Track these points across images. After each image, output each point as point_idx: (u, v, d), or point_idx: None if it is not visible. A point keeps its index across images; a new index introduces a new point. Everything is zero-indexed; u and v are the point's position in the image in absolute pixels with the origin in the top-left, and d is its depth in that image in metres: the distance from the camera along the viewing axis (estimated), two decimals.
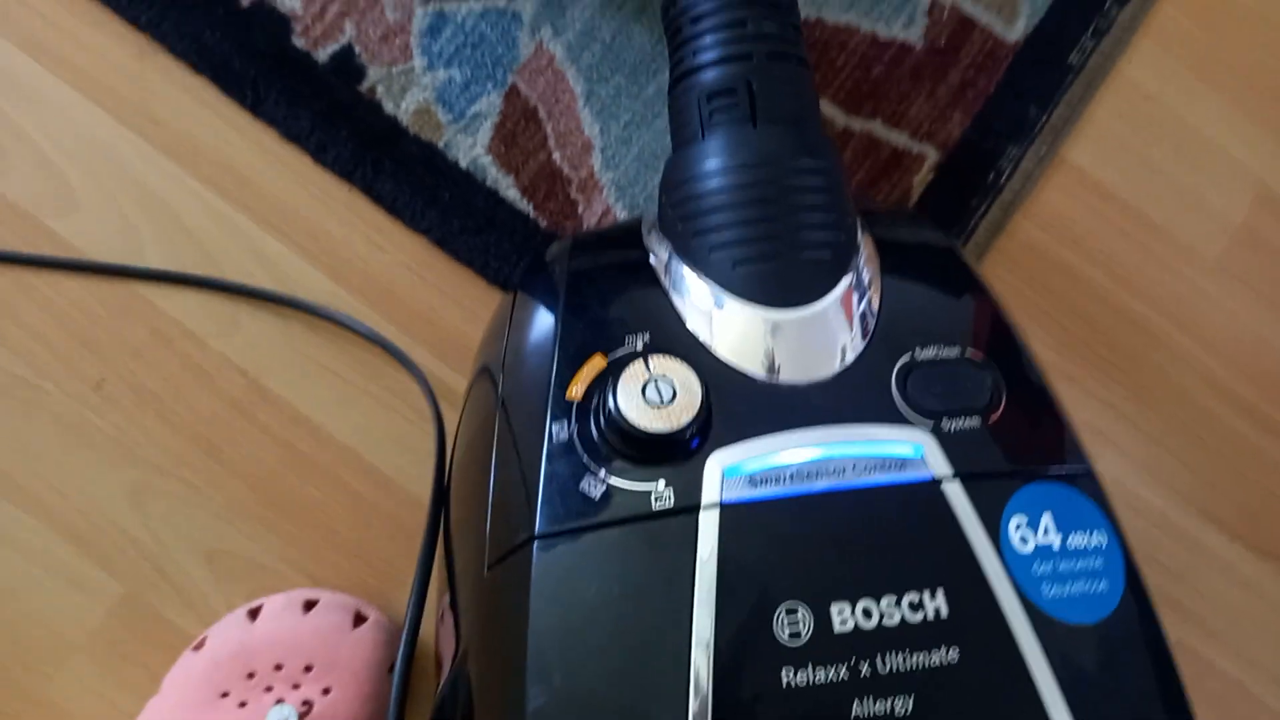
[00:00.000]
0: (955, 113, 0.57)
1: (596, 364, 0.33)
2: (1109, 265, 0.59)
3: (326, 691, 0.49)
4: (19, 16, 0.56)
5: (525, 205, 0.55)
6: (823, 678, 0.27)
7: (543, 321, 0.36)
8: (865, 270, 0.35)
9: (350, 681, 0.49)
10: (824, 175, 0.34)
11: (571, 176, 0.55)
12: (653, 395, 0.30)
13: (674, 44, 0.39)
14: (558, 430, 0.32)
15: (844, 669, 0.28)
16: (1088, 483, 0.32)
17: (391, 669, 0.50)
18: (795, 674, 0.28)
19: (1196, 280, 0.59)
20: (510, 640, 0.29)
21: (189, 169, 0.56)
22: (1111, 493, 0.32)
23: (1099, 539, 0.31)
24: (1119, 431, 0.57)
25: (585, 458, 0.31)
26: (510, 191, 0.55)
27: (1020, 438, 0.32)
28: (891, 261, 0.36)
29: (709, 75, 0.37)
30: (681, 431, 0.30)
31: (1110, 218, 0.59)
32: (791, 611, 0.28)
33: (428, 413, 0.53)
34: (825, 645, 0.28)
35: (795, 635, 0.28)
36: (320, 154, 0.55)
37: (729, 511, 0.30)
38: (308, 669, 0.49)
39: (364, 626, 0.50)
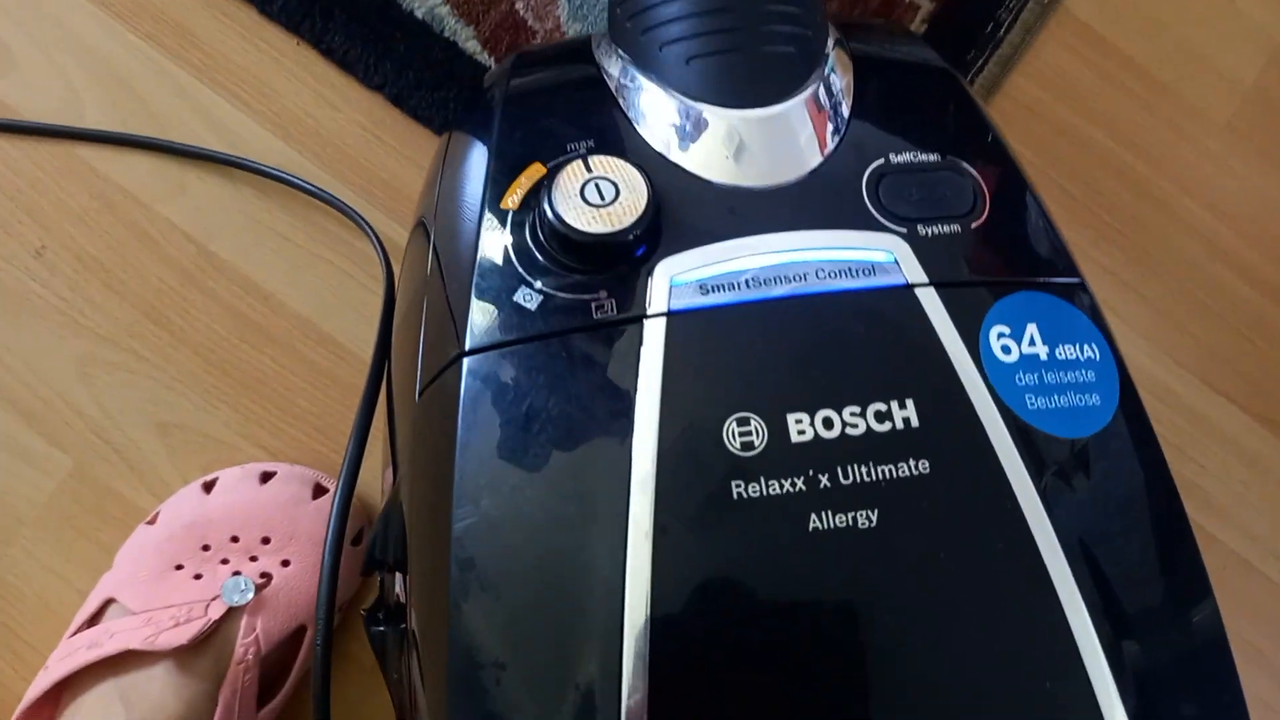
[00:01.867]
0: None
1: (534, 172, 0.30)
2: (1112, 126, 0.55)
3: (285, 564, 0.47)
4: None
5: (486, 58, 0.51)
6: (777, 490, 0.25)
7: (477, 146, 0.33)
8: (837, 73, 0.31)
9: (310, 553, 0.47)
10: None
11: (536, 28, 0.51)
12: (593, 195, 0.27)
13: None
14: (490, 243, 0.29)
15: (800, 481, 0.25)
16: (1078, 294, 0.29)
17: (356, 541, 0.48)
18: (746, 486, 0.25)
19: (1204, 142, 0.56)
20: (438, 462, 0.27)
21: (130, 24, 0.52)
22: None
23: (1090, 351, 0.28)
24: (1120, 299, 0.54)
25: (520, 269, 0.28)
26: (470, 43, 0.51)
27: (1005, 246, 0.29)
28: (870, 70, 0.32)
29: None
30: (624, 233, 0.27)
31: (1114, 76, 0.56)
32: (743, 422, 0.26)
33: (380, 277, 0.50)
34: (780, 456, 0.25)
35: (747, 446, 0.25)
36: (266, 5, 0.51)
37: (677, 320, 0.27)
38: (265, 541, 0.47)
39: (324, 498, 0.48)
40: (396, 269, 0.48)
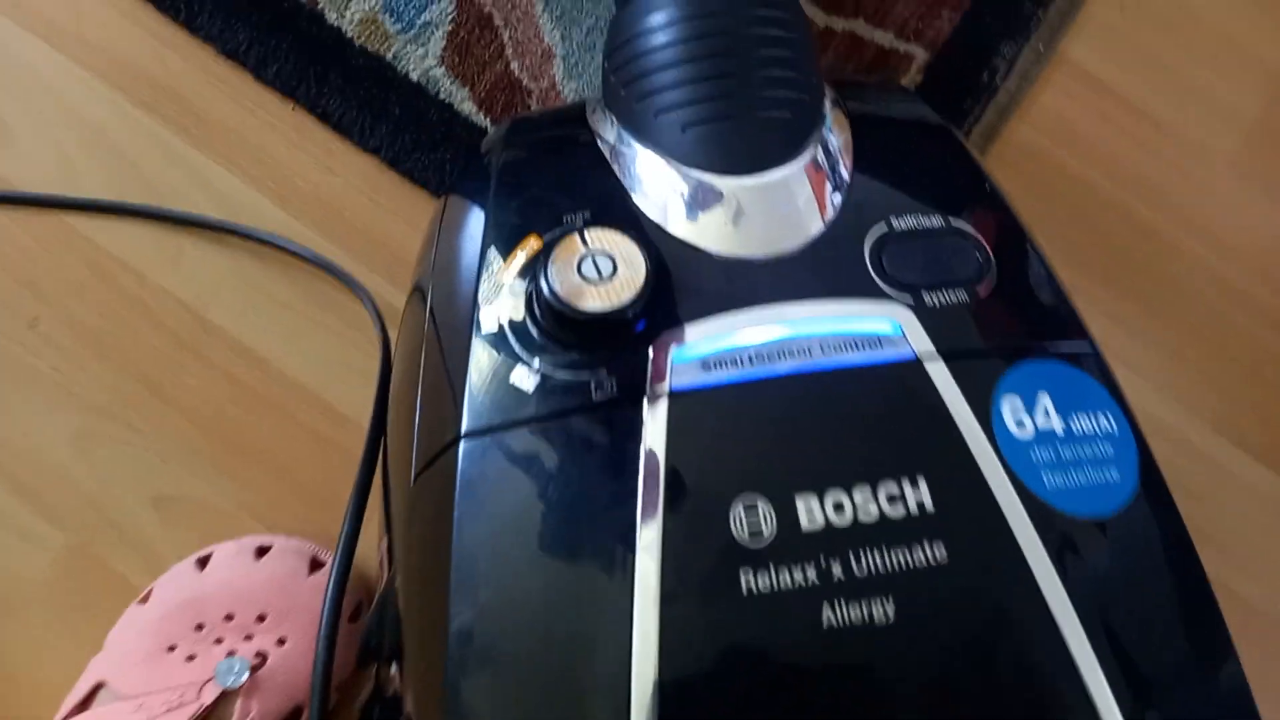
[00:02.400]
0: (944, 9, 0.53)
1: (531, 246, 0.29)
2: (1113, 168, 0.54)
3: (281, 642, 0.45)
4: None
5: (482, 119, 0.51)
6: (788, 581, 0.24)
7: (473, 212, 0.32)
8: (834, 135, 0.31)
9: (307, 630, 0.46)
10: (783, 26, 0.30)
11: (531, 87, 0.51)
12: (590, 271, 0.27)
13: None
14: (486, 319, 0.28)
15: (812, 571, 0.24)
16: (1091, 361, 0.28)
17: (353, 618, 0.47)
18: (756, 577, 0.24)
19: (1207, 181, 0.55)
20: (434, 552, 0.26)
21: (126, 94, 0.52)
22: None
23: (1107, 422, 0.27)
24: (1130, 348, 0.53)
25: (517, 348, 0.27)
26: (465, 105, 0.51)
27: (1013, 312, 0.28)
28: (866, 129, 0.32)
29: None
30: (623, 310, 0.26)
31: (1114, 117, 0.55)
32: (750, 507, 0.25)
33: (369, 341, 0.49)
34: (790, 545, 0.24)
35: (756, 534, 0.24)
36: (261, 70, 0.51)
37: (679, 400, 0.26)
38: (261, 619, 0.46)
39: (321, 572, 0.47)
40: (394, 334, 0.47)
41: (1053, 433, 0.26)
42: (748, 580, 0.24)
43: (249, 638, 0.45)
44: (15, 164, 0.52)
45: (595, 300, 0.26)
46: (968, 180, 0.31)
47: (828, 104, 0.31)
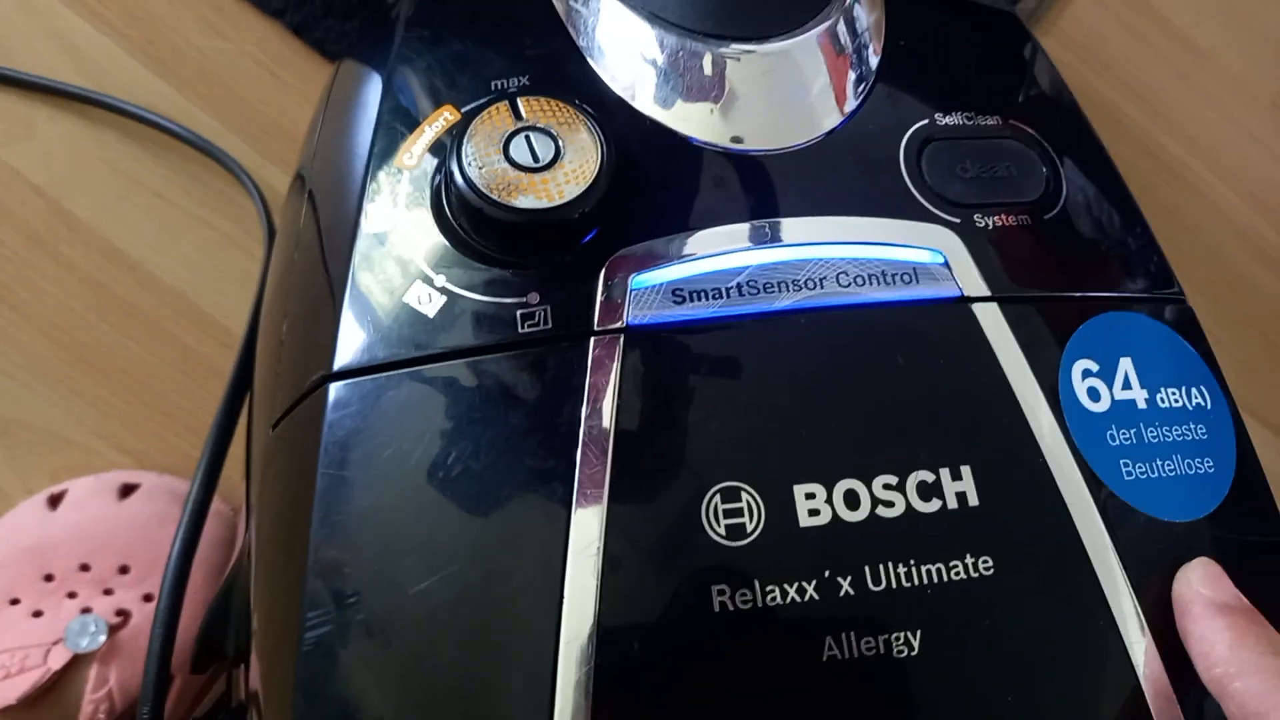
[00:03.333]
0: None
1: (444, 118, 0.21)
2: (1145, 96, 0.48)
3: (148, 598, 0.38)
4: None
5: None
6: (778, 598, 0.17)
7: (370, 77, 0.24)
8: (862, 4, 0.23)
9: None
10: None
11: None
12: (522, 153, 0.19)
13: None
14: (375, 214, 0.20)
15: (811, 585, 0.17)
16: (1184, 317, 0.21)
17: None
18: (733, 593, 0.17)
19: (1246, 122, 0.49)
20: (289, 531, 0.18)
21: None
22: None
23: (1200, 396, 0.20)
24: None
25: (416, 255, 0.20)
26: None
27: (1086, 248, 0.21)
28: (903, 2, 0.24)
29: None
30: (567, 209, 0.19)
31: (1151, 39, 0.48)
32: (731, 496, 0.17)
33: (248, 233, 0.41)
34: (784, 548, 0.17)
35: (736, 532, 0.17)
36: None
37: (638, 340, 0.18)
38: (123, 570, 0.38)
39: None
40: None
41: (1134, 406, 0.19)
42: (721, 596, 0.17)
43: (108, 592, 0.38)
44: None
45: (528, 194, 0.18)
46: (1035, 78, 0.23)
47: None
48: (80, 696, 0.36)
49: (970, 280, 0.20)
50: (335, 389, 0.19)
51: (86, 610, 0.37)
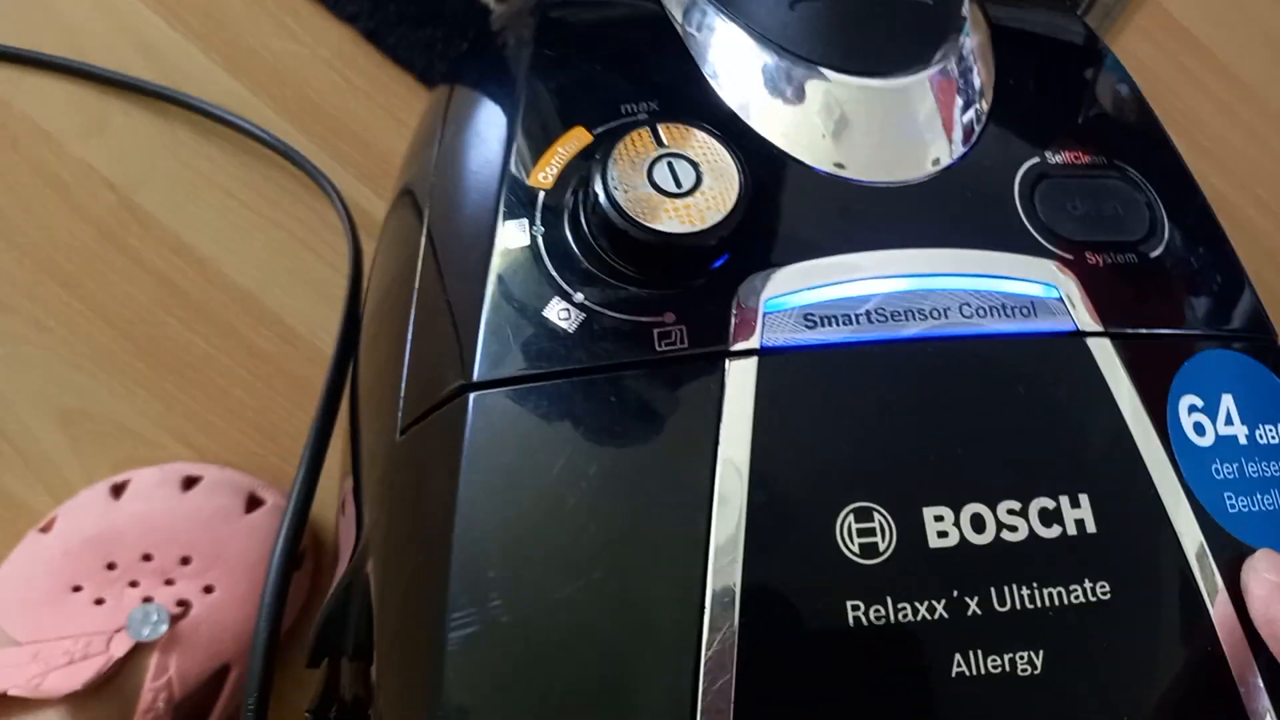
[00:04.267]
0: None
1: (577, 138, 0.22)
2: (1189, 129, 0.49)
3: (208, 590, 0.39)
4: None
5: None
6: (909, 615, 0.18)
7: (494, 96, 0.25)
8: (973, 37, 0.24)
9: (240, 579, 0.39)
10: None
11: None
12: (665, 179, 0.20)
13: None
14: (513, 233, 0.21)
15: (941, 604, 0.18)
16: (1277, 359, 0.22)
17: (298, 564, 0.40)
18: (868, 608, 0.18)
19: None
20: (427, 536, 0.19)
21: None
22: None
23: None
24: None
25: (554, 273, 0.20)
26: None
27: (1190, 287, 0.22)
28: (1010, 38, 0.25)
29: None
30: (707, 235, 0.19)
31: (1196, 73, 0.49)
32: (864, 516, 0.18)
33: (343, 248, 0.41)
34: (914, 568, 0.18)
35: (870, 550, 0.18)
36: None
37: (772, 361, 0.19)
38: (185, 561, 0.39)
39: (259, 512, 0.40)
40: (365, 243, 0.39)
41: (1236, 441, 0.20)
42: (856, 610, 0.18)
43: (169, 582, 0.39)
44: None
45: (671, 218, 0.19)
46: (1135, 117, 0.24)
47: (971, 6, 0.24)
48: (141, 684, 0.36)
49: (1083, 315, 0.21)
50: (476, 399, 0.19)
51: (148, 599, 0.38)
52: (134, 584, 0.38)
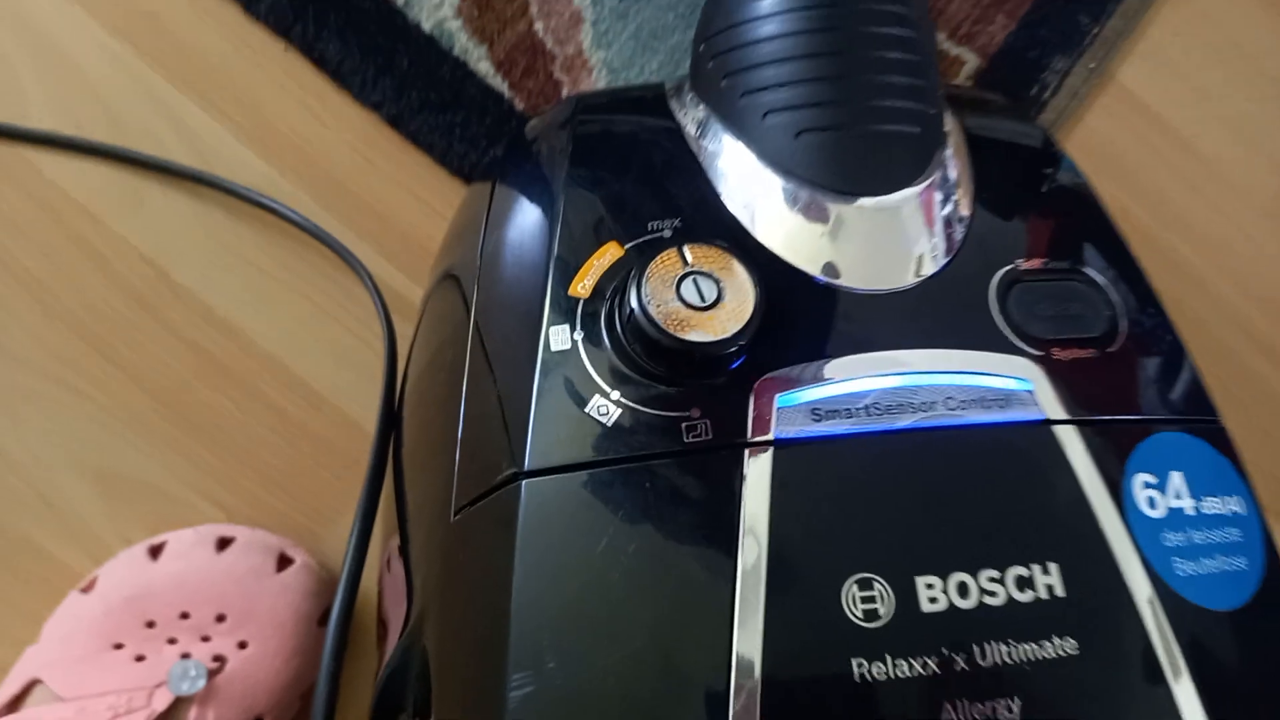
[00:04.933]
0: (999, 14, 0.50)
1: (611, 252, 0.25)
2: (1155, 202, 0.53)
3: (243, 645, 0.41)
4: None
5: (499, 81, 0.46)
6: (906, 671, 0.21)
7: (535, 204, 0.28)
8: (954, 156, 0.27)
9: (272, 635, 0.41)
10: (910, 26, 0.27)
11: (555, 52, 0.47)
12: (691, 294, 0.23)
13: None
14: (556, 337, 0.24)
15: (933, 660, 0.21)
16: (1220, 437, 0.25)
17: (321, 621, 0.43)
18: (870, 665, 0.21)
19: (1246, 224, 0.54)
20: (485, 607, 0.22)
21: (94, 14, 0.46)
22: None
23: (1236, 505, 0.24)
24: None
25: (594, 374, 0.23)
26: (482, 64, 0.46)
27: (1142, 377, 0.26)
28: (984, 151, 0.28)
29: None
30: (728, 343, 0.23)
31: (1158, 147, 0.53)
32: (865, 585, 0.21)
33: (369, 321, 0.44)
34: (910, 629, 0.21)
35: (871, 615, 0.21)
36: (253, 3, 0.45)
37: (785, 451, 0.22)
38: (220, 619, 0.41)
39: (289, 571, 0.43)
40: (395, 314, 0.42)
41: (1183, 513, 0.24)
42: (860, 667, 0.21)
43: (206, 639, 0.41)
44: None
45: (697, 329, 0.22)
46: (1094, 224, 0.28)
47: (949, 122, 0.28)
48: None
49: (1051, 405, 0.24)
50: (528, 485, 0.22)
51: (186, 655, 0.40)
52: (172, 641, 0.41)
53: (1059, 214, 0.28)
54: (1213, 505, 0.24)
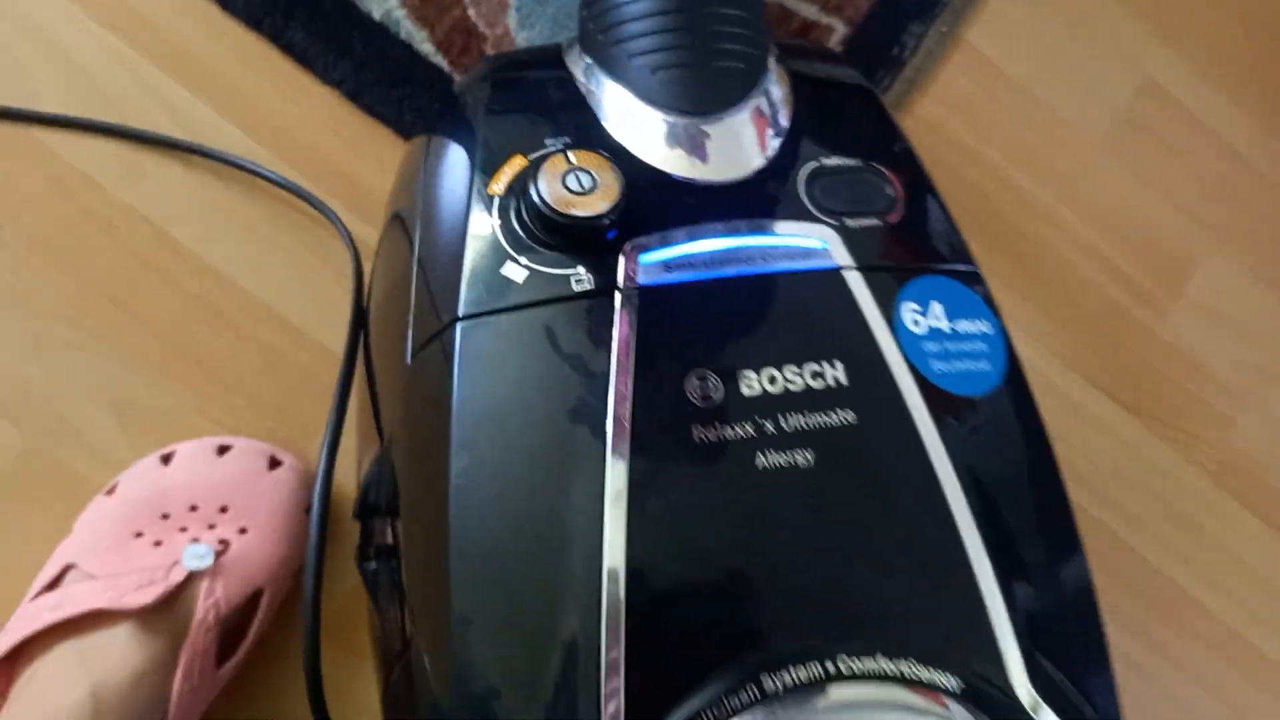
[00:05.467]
0: None
1: (518, 163, 0.34)
2: (1003, 144, 0.62)
3: (243, 531, 0.49)
4: None
5: (440, 60, 0.55)
6: (730, 434, 0.30)
7: (461, 138, 0.37)
8: (776, 86, 0.37)
9: (267, 522, 0.49)
10: None
11: (486, 33, 0.55)
12: (573, 183, 0.32)
13: None
14: (478, 224, 0.33)
15: (749, 427, 0.30)
16: (974, 279, 0.35)
17: (308, 510, 0.51)
18: (705, 431, 0.30)
19: (1081, 157, 0.63)
20: (434, 416, 0.31)
21: (89, 11, 0.54)
22: None
23: (983, 326, 0.34)
24: (1009, 301, 0.60)
25: (507, 246, 0.32)
26: (425, 46, 0.55)
27: (914, 238, 0.35)
28: (802, 83, 0.37)
29: None
30: (600, 217, 0.31)
31: (1005, 99, 0.63)
32: (702, 378, 0.30)
33: (338, 264, 0.53)
34: (733, 407, 0.30)
35: (706, 399, 0.30)
36: (227, 1, 0.54)
37: (645, 293, 0.31)
38: (223, 510, 0.49)
39: (279, 470, 0.51)
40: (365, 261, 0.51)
41: (941, 330, 0.33)
42: (698, 432, 0.30)
43: (212, 526, 0.49)
44: None
45: (579, 209, 0.31)
46: (884, 132, 0.37)
47: (771, 60, 0.37)
48: (194, 604, 0.46)
49: (842, 257, 0.33)
50: (462, 325, 0.31)
51: (196, 540, 0.48)
52: (184, 529, 0.49)
53: (856, 126, 0.37)
54: (963, 326, 0.33)
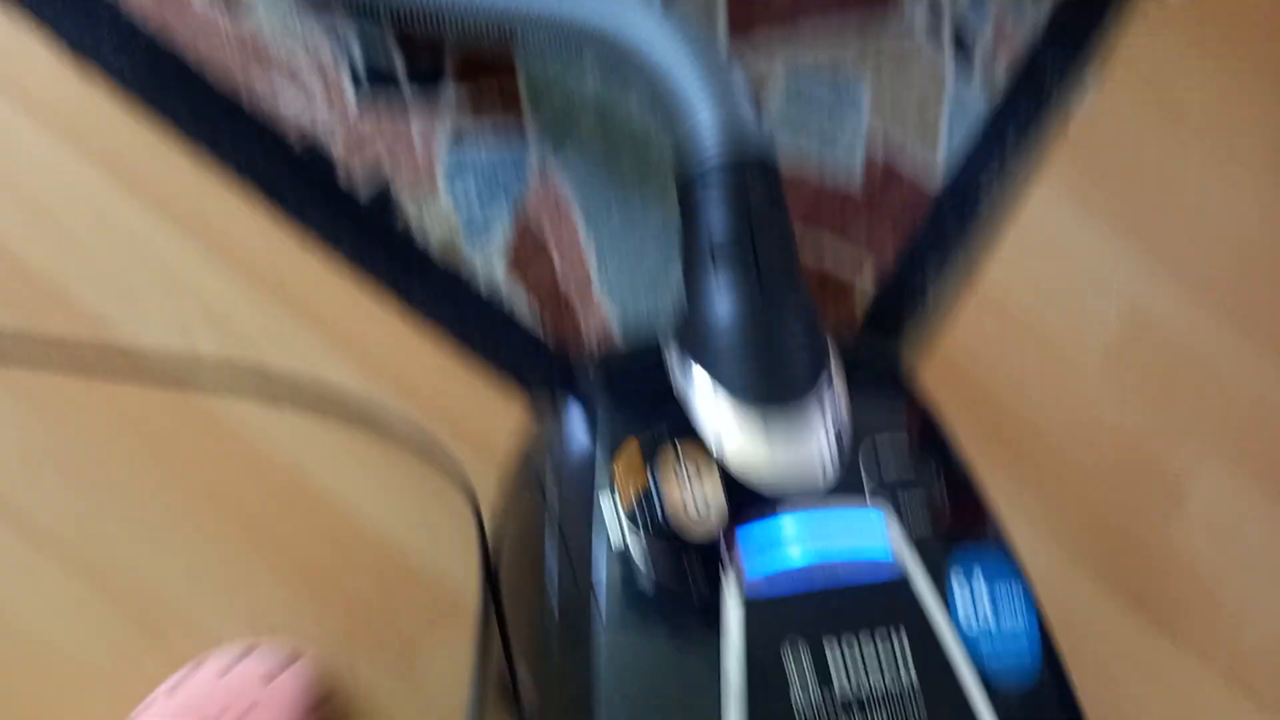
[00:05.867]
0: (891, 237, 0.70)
1: (633, 460, 0.43)
2: (1009, 380, 0.72)
3: None
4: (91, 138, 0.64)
5: (535, 323, 0.65)
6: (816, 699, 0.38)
7: (584, 439, 0.46)
8: (835, 378, 0.46)
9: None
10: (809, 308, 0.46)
11: (576, 304, 0.65)
12: (694, 512, 0.41)
13: (685, 209, 0.49)
14: (614, 530, 0.41)
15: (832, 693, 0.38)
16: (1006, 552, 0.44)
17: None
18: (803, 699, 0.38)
19: (1078, 386, 0.72)
20: (578, 684, 0.39)
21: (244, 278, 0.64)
22: None
23: (1023, 621, 0.42)
24: (1018, 521, 0.69)
25: (637, 561, 0.41)
26: (523, 311, 0.65)
27: (957, 513, 0.44)
28: (855, 379, 0.47)
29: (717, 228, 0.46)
30: (717, 538, 0.40)
31: (1009, 339, 0.72)
32: (804, 688, 0.39)
33: (448, 504, 0.61)
34: (826, 706, 0.38)
35: (802, 678, 0.38)
36: (359, 268, 0.64)
37: (751, 596, 0.40)
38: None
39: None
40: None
41: (990, 631, 0.41)
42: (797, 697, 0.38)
43: None
44: (140, 334, 0.62)
45: (699, 531, 0.40)
46: (925, 422, 0.47)
47: (832, 359, 0.46)
48: None
49: (900, 547, 0.42)
50: (605, 636, 0.39)
51: None
52: None
53: (912, 430, 0.47)
54: (1008, 623, 0.42)
